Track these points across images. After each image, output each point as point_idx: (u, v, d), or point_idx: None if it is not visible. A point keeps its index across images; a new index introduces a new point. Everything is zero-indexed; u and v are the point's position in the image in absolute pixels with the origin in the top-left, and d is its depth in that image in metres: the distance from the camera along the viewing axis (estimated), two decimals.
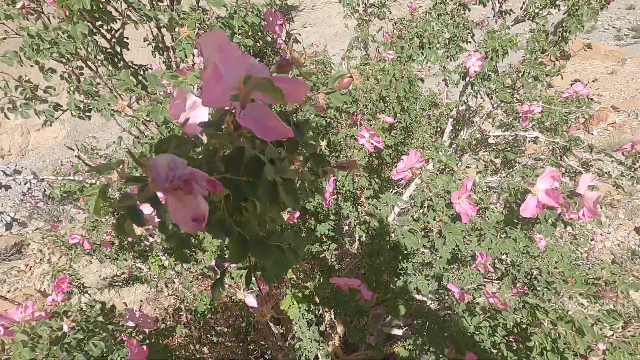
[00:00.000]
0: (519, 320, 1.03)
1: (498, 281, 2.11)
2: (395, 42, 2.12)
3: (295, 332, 2.15)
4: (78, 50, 1.03)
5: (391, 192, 1.41)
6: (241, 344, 2.53)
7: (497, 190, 2.04)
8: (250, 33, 1.19)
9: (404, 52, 1.54)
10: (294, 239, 0.53)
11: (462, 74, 1.84)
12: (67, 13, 0.96)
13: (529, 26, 1.99)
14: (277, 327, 2.53)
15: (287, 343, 2.56)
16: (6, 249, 11.76)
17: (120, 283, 3.00)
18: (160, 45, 1.30)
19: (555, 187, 0.89)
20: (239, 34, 1.15)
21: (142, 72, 1.18)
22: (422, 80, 1.59)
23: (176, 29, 1.02)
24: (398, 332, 2.18)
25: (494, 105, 1.75)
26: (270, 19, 1.92)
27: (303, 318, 1.73)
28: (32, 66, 1.07)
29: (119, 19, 1.03)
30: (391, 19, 2.52)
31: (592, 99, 2.11)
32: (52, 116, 1.12)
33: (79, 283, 1.82)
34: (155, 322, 1.54)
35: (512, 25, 1.87)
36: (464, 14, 2.24)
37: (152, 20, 1.04)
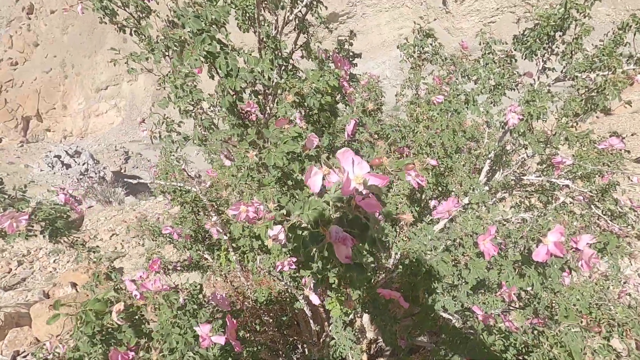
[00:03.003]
0: (525, 341, 1.29)
1: (521, 310, 2.32)
2: (444, 88, 2.41)
3: (330, 331, 2.49)
4: (209, 101, 1.44)
5: (428, 222, 1.70)
6: (281, 335, 2.90)
7: (530, 225, 2.25)
8: (330, 92, 1.55)
9: (452, 106, 1.84)
10: (370, 262, 0.87)
11: (502, 123, 2.10)
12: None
13: (570, 83, 2.20)
14: (314, 324, 2.87)
15: (320, 340, 2.90)
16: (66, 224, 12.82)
17: (180, 268, 3.49)
18: (255, 90, 1.70)
19: (562, 240, 1.16)
20: (322, 94, 1.51)
21: (247, 116, 1.58)
22: (465, 132, 1.87)
23: (280, 92, 1.39)
24: (423, 339, 2.44)
25: (528, 155, 1.99)
26: (339, 64, 2.29)
27: (340, 319, 2.06)
28: (174, 108, 1.49)
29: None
30: (445, 59, 2.80)
31: (628, 151, 2.27)
32: (183, 144, 1.54)
33: (165, 266, 2.28)
34: (230, 304, 1.94)
35: (553, 83, 2.10)
36: (510, 64, 2.49)
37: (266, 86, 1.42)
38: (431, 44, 2.53)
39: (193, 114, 1.56)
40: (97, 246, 2.25)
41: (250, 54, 1.21)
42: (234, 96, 1.27)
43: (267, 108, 1.66)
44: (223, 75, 1.19)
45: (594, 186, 2.12)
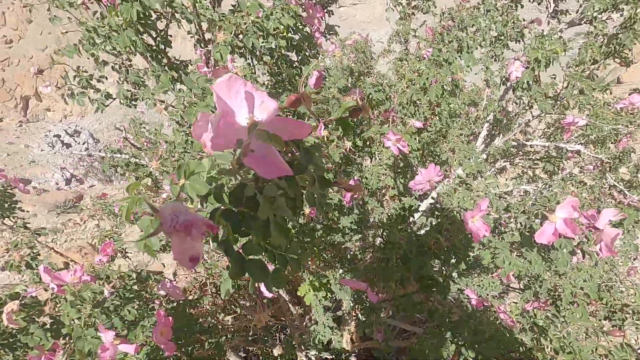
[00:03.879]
0: (523, 340, 1.04)
1: (520, 292, 2.08)
2: (437, 39, 2.06)
3: (313, 315, 2.25)
4: (126, 46, 1.13)
5: (413, 197, 1.42)
6: (260, 315, 2.70)
7: (533, 199, 1.97)
8: (284, 34, 1.23)
9: (441, 55, 1.51)
10: (297, 250, 0.59)
11: (504, 79, 1.76)
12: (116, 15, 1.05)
13: (586, 29, 1.84)
14: (297, 307, 2.66)
15: (304, 323, 2.69)
16: (65, 202, 12.98)
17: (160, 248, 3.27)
18: (201, 39, 1.38)
19: (574, 217, 0.87)
20: (273, 36, 1.19)
21: (182, 68, 1.27)
22: (457, 86, 1.55)
23: (214, 32, 1.08)
24: (415, 329, 2.22)
25: (534, 115, 1.67)
26: (310, 11, 1.93)
27: (320, 304, 1.82)
28: (88, 58, 1.19)
29: (164, 20, 1.11)
30: (435, 14, 2.42)
31: None
32: (104, 104, 1.25)
33: (122, 248, 2.03)
34: (183, 293, 1.70)
35: (566, 29, 1.75)
36: (515, 11, 2.12)
37: (200, 24, 1.11)
38: None
39: (117, 67, 1.25)
40: (44, 227, 2.01)
41: None
42: (157, 36, 0.96)
43: (212, 59, 1.34)
44: (120, 0, 0.88)
45: (609, 152, 1.81)
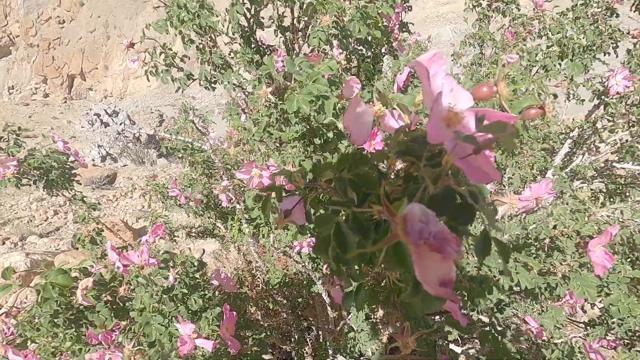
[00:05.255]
0: None
1: (584, 326, 1.90)
2: (521, 44, 1.91)
3: (349, 320, 2.16)
4: (216, 25, 1.08)
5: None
6: (295, 318, 2.65)
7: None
8: (380, 24, 1.15)
9: (539, 61, 1.38)
10: None
11: (598, 92, 1.60)
12: None
13: None
14: (332, 310, 2.58)
15: (337, 328, 2.60)
16: (100, 179, 13.50)
17: (195, 235, 3.28)
18: (283, 25, 1.31)
19: None
20: (368, 25, 1.11)
21: (269, 53, 1.21)
22: (556, 96, 1.42)
23: (315, 15, 1.01)
24: (456, 349, 2.09)
25: (635, 135, 1.51)
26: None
27: (363, 312, 1.73)
28: (176, 35, 1.15)
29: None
30: (513, 19, 2.27)
31: None
32: (185, 84, 1.21)
33: (171, 231, 2.02)
34: (235, 285, 1.65)
35: None
36: (610, 20, 1.94)
37: (293, 6, 1.04)
38: None
39: (201, 47, 1.21)
40: (99, 203, 2.03)
41: None
42: (250, 17, 0.90)
43: (296, 47, 1.28)
44: None
45: None
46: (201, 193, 2.06)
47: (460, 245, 0.27)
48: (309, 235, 1.56)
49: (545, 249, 0.94)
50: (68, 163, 1.97)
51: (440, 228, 0.26)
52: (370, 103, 0.55)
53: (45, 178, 1.76)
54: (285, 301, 2.59)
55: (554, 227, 0.93)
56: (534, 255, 0.94)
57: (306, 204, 0.58)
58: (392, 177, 0.45)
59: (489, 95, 0.45)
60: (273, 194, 0.56)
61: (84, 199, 1.96)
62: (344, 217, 0.36)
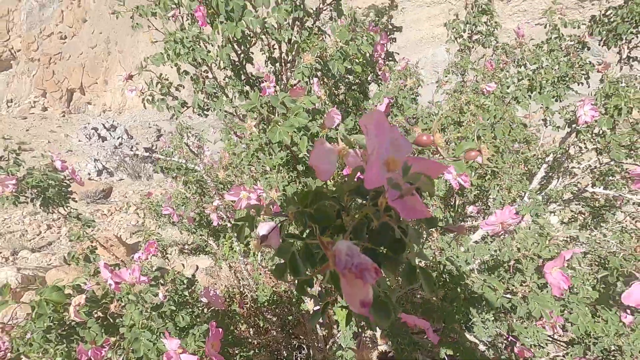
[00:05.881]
0: None
1: (565, 345, 1.95)
2: (498, 74, 2.03)
3: (338, 338, 2.19)
4: (210, 59, 1.18)
5: (472, 240, 1.38)
6: (285, 336, 2.67)
7: (583, 245, 1.87)
8: (361, 60, 1.25)
9: (510, 93, 1.49)
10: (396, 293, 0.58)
11: (569, 121, 1.71)
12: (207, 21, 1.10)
13: None
14: (322, 328, 2.61)
15: (327, 346, 2.63)
16: (95, 193, 13.45)
17: (187, 251, 3.32)
18: (271, 58, 1.41)
19: None
20: (349, 60, 1.21)
21: (257, 84, 1.31)
22: (525, 126, 1.52)
23: (299, 53, 1.11)
24: None
25: (602, 162, 1.61)
26: (377, 37, 1.96)
27: (350, 329, 1.78)
28: (171, 67, 1.25)
29: (253, 38, 1.15)
30: (496, 48, 2.41)
31: None
32: (179, 112, 1.30)
33: (163, 248, 2.07)
34: (224, 302, 1.70)
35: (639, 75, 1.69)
36: (582, 53, 2.07)
37: (280, 43, 1.14)
38: (486, 23, 2.14)
39: (195, 77, 1.30)
40: (93, 220, 2.08)
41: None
42: (240, 52, 1.00)
43: (284, 78, 1.38)
44: (222, 20, 0.92)
45: None
46: (194, 211, 2.12)
47: (380, 274, 0.34)
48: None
49: (511, 271, 1.01)
50: (65, 181, 2.04)
51: (362, 260, 0.33)
52: (335, 143, 0.63)
53: (42, 196, 1.82)
54: (275, 319, 2.61)
55: (518, 249, 1.01)
56: (501, 278, 1.01)
57: (281, 230, 0.65)
58: (352, 209, 0.52)
59: (427, 143, 0.54)
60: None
61: (79, 216, 2.01)
62: (298, 247, 0.43)
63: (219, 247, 2.46)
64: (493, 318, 1.30)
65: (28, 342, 1.05)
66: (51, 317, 1.02)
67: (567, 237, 1.80)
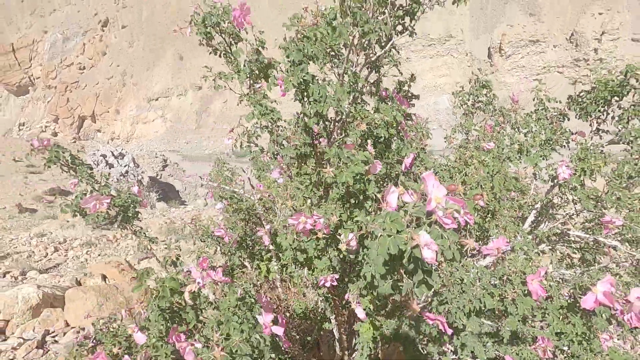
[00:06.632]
0: None
1: None
2: (496, 136, 2.52)
3: (355, 357, 2.49)
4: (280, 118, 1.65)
5: (474, 261, 1.76)
6: (305, 354, 2.93)
7: (570, 284, 2.24)
8: (394, 125, 1.72)
9: (504, 153, 1.95)
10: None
11: (552, 177, 2.17)
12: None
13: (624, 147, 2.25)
14: (339, 348, 2.89)
15: None
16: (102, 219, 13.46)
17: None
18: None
19: (611, 291, 1.21)
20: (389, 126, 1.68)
21: (317, 138, 1.77)
22: (517, 180, 1.97)
23: (350, 121, 1.58)
24: None
25: (577, 211, 2.03)
26: (399, 102, 2.46)
27: (367, 346, 2.10)
28: (254, 125, 1.71)
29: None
30: (494, 112, 2.93)
31: None
32: (259, 155, 1.74)
33: (212, 265, 2.44)
34: (272, 308, 2.05)
35: (606, 145, 2.16)
36: (563, 122, 2.58)
37: (337, 111, 1.63)
38: (486, 95, 2.67)
39: (270, 130, 1.77)
40: (156, 237, 2.46)
41: (339, 86, 1.41)
42: (318, 119, 1.47)
43: (334, 134, 1.85)
44: (312, 100, 1.38)
45: None
46: (238, 235, 2.51)
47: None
48: (331, 271, 1.99)
49: (504, 283, 1.38)
50: (137, 203, 2.46)
51: None
52: (396, 187, 1.06)
53: (123, 214, 2.24)
54: (297, 336, 2.89)
55: (509, 268, 1.39)
56: (496, 287, 1.39)
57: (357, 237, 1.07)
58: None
59: (454, 190, 0.97)
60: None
61: (145, 233, 2.41)
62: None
63: (253, 268, 2.82)
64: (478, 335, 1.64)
65: (147, 319, 1.42)
66: (166, 301, 1.40)
67: (559, 278, 2.17)
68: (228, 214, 2.56)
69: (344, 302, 1.93)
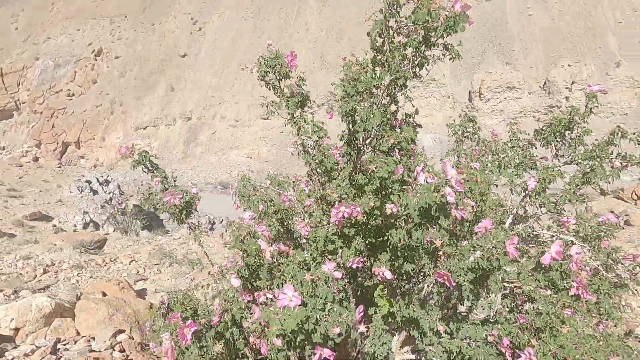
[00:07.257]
0: None
1: None
2: (480, 158, 3.23)
3: (365, 344, 2.96)
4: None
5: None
6: None
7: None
8: (410, 142, 2.38)
9: (487, 169, 2.63)
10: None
11: (523, 188, 2.85)
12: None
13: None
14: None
15: None
16: (90, 243, 13.69)
17: None
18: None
19: (560, 250, 1.84)
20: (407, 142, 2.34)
21: (358, 151, 2.41)
22: (496, 185, 2.63)
23: (380, 137, 2.24)
24: None
25: (542, 212, 2.69)
26: None
27: (380, 328, 2.61)
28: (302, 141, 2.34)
29: None
30: (479, 141, 3.67)
31: (623, 227, 2.93)
32: (310, 162, 2.36)
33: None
34: None
35: (562, 165, 2.89)
36: (531, 149, 3.31)
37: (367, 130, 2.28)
38: (472, 127, 3.42)
39: (315, 145, 2.40)
40: (205, 230, 2.94)
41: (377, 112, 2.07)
42: (364, 133, 2.11)
43: (364, 148, 2.50)
44: (360, 120, 2.03)
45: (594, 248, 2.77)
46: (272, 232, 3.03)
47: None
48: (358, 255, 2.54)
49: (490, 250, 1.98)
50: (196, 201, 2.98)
51: None
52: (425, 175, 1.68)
53: (187, 210, 2.76)
54: None
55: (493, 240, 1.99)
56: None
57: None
58: None
59: (460, 172, 1.59)
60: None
61: (200, 228, 2.92)
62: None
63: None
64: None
65: (238, 271, 1.94)
66: (253, 259, 1.94)
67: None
68: (261, 217, 3.10)
69: (370, 276, 2.47)
